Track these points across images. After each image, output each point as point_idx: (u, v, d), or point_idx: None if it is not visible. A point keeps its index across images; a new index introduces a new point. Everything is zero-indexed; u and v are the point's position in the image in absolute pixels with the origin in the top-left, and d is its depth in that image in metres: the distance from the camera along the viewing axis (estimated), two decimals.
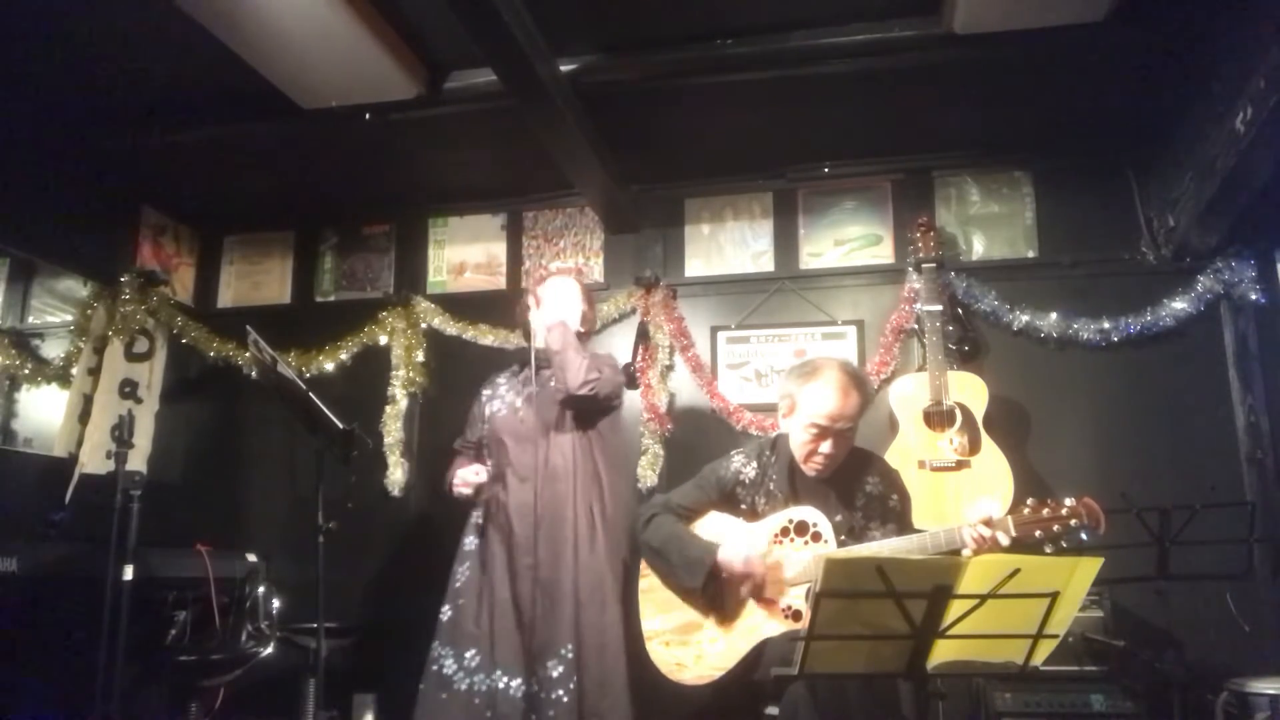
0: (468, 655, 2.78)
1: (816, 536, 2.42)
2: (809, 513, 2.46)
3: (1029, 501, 2.28)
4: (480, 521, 2.96)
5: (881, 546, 2.36)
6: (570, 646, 2.73)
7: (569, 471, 2.90)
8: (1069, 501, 2.24)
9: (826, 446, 2.49)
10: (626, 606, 2.83)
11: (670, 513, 2.65)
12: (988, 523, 2.25)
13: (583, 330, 3.10)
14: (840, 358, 2.87)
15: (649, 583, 2.66)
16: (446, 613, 2.89)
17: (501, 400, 3.08)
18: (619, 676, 2.75)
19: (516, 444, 2.95)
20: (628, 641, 2.78)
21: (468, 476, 2.95)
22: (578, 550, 2.84)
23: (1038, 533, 2.23)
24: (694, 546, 2.53)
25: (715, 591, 2.50)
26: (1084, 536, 2.23)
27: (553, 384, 2.94)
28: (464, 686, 2.75)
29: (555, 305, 3.03)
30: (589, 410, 2.95)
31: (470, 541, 2.96)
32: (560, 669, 2.71)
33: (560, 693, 2.69)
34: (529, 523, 2.84)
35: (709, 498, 2.66)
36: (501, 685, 2.74)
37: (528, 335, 3.11)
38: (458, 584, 2.91)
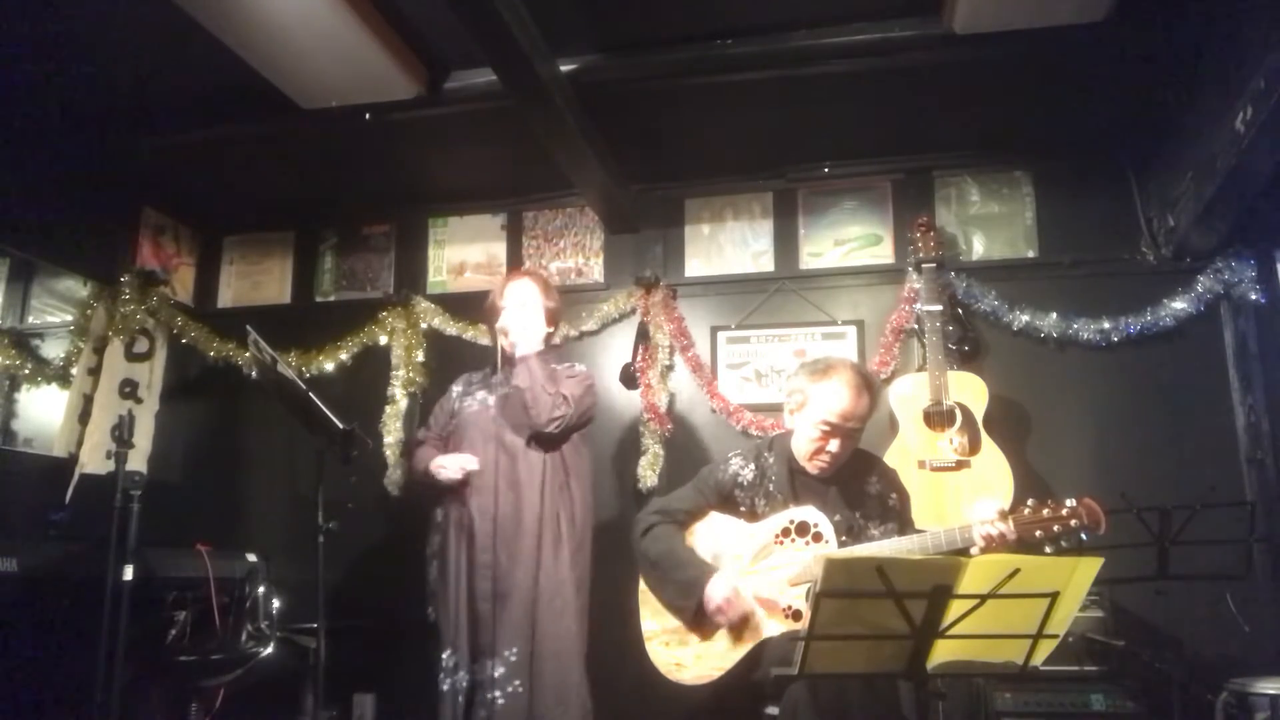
0: (444, 656, 2.83)
1: (818, 537, 2.42)
2: (810, 513, 2.46)
3: (1029, 501, 2.28)
4: (441, 519, 2.98)
5: (883, 546, 2.36)
6: (515, 650, 2.75)
7: (536, 482, 2.91)
8: (1069, 502, 2.25)
9: (834, 445, 2.49)
10: (584, 618, 2.89)
11: (670, 521, 2.63)
12: (993, 521, 2.26)
13: (551, 329, 3.13)
14: (851, 359, 2.88)
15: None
16: (431, 614, 2.93)
17: (473, 398, 3.09)
18: (574, 684, 2.78)
19: (484, 443, 2.96)
20: (584, 649, 2.85)
21: (465, 463, 2.91)
22: (540, 557, 2.84)
23: (1038, 533, 2.23)
24: (690, 567, 2.51)
25: (703, 615, 2.49)
26: (1084, 537, 2.24)
27: (516, 384, 2.96)
28: (446, 686, 2.80)
29: (518, 329, 2.99)
30: (559, 440, 2.97)
31: (435, 541, 2.98)
32: (502, 670, 2.73)
33: (497, 693, 2.71)
34: (489, 520, 2.86)
35: (707, 501, 2.66)
36: (466, 684, 2.78)
37: (494, 339, 3.13)
38: (430, 585, 2.95)
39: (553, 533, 2.89)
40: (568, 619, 2.83)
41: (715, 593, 2.42)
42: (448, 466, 2.92)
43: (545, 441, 2.96)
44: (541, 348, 3.03)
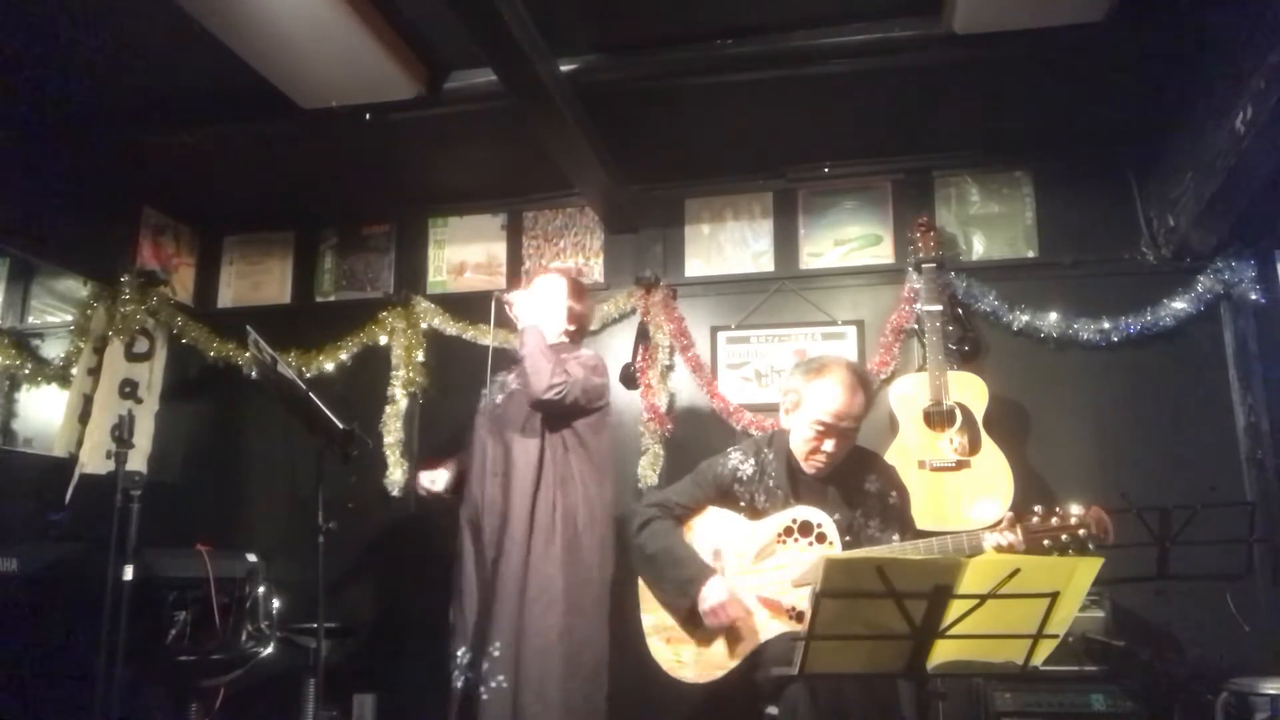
0: (459, 653, 2.82)
1: (821, 537, 2.42)
2: (813, 513, 2.45)
3: (1037, 509, 2.26)
4: (461, 518, 3.00)
5: (891, 550, 2.36)
6: (499, 645, 2.73)
7: (530, 472, 2.87)
8: (1077, 510, 2.24)
9: (829, 445, 2.49)
10: (585, 616, 2.80)
11: (668, 516, 2.62)
12: (1002, 530, 2.25)
13: (573, 328, 3.12)
14: (846, 358, 2.87)
15: None
16: (452, 614, 2.94)
17: (488, 397, 3.10)
18: (554, 681, 2.71)
19: (489, 438, 2.98)
20: (576, 649, 2.77)
21: (422, 480, 3.07)
22: (530, 550, 2.80)
23: (1046, 541, 2.23)
24: (687, 566, 2.50)
25: (697, 615, 2.48)
26: (1091, 546, 2.23)
27: (519, 383, 2.96)
28: (459, 684, 2.79)
29: (530, 309, 3.00)
30: (562, 414, 2.91)
31: (457, 539, 3.00)
32: (486, 665, 2.73)
33: (482, 689, 2.71)
34: (493, 516, 2.87)
35: (706, 495, 2.65)
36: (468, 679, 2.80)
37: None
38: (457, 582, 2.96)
39: (545, 526, 2.82)
40: (553, 616, 2.74)
41: (710, 595, 2.42)
42: (421, 481, 3.09)
43: (547, 419, 2.90)
44: (553, 340, 3.00)
